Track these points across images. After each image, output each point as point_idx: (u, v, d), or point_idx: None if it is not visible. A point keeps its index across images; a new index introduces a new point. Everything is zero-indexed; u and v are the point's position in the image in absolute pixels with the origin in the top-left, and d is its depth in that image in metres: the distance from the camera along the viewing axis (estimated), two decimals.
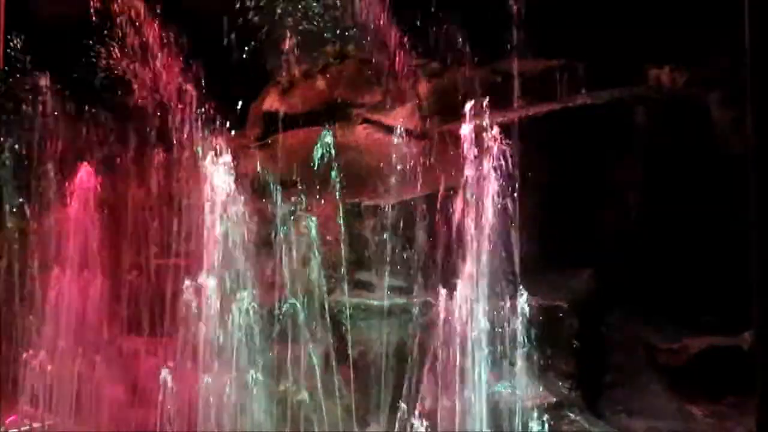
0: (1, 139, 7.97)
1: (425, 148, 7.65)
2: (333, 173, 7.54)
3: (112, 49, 8.21)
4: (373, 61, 8.39)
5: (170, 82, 7.90)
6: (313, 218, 7.46)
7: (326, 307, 7.09)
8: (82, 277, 7.81)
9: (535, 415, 6.15)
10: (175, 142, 8.18)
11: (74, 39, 8.28)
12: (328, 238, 7.43)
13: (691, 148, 6.81)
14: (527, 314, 6.32)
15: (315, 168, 7.65)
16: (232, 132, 8.58)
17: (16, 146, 7.93)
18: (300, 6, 8.13)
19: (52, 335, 7.75)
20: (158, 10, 8.01)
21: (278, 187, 7.76)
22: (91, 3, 8.01)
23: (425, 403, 6.39)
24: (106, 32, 8.23)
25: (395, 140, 7.60)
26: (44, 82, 8.04)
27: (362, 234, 7.30)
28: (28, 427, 7.45)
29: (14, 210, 8.14)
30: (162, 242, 7.99)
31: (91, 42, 8.25)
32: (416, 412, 6.34)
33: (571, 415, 6.29)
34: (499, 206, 6.50)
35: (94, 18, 8.03)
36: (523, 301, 6.30)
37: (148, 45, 8.06)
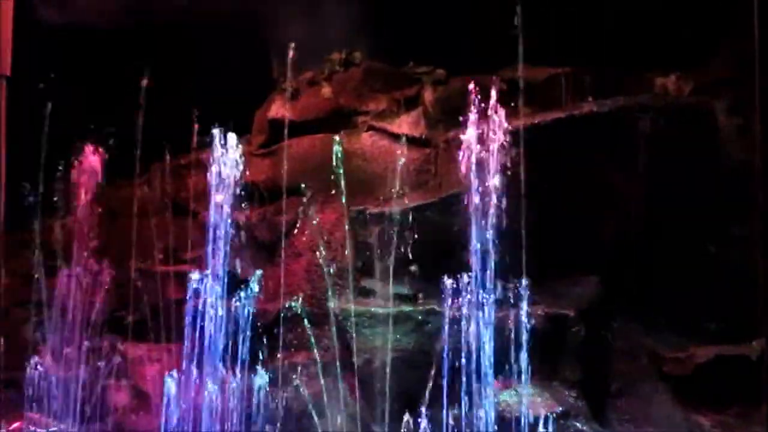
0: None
1: (430, 156, 7.66)
2: (338, 180, 7.54)
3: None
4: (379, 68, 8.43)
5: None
6: (318, 225, 7.46)
7: (331, 314, 7.08)
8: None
9: (541, 424, 6.12)
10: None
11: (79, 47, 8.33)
12: (333, 245, 7.43)
13: (696, 156, 6.80)
14: (533, 322, 6.30)
15: (320, 175, 7.66)
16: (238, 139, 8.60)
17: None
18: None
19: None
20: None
21: (283, 195, 7.76)
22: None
23: (430, 411, 6.36)
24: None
25: (400, 147, 7.61)
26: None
27: (367, 241, 7.29)
28: None
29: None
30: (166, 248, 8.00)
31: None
32: (421, 421, 6.31)
33: (577, 424, 6.26)
34: (504, 213, 6.49)
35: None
36: (528, 309, 6.27)
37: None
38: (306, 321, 7.08)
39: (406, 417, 6.32)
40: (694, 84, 7.35)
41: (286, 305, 7.17)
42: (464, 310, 6.46)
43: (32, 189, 8.07)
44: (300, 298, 7.26)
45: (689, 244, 6.74)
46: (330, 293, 7.18)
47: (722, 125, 6.94)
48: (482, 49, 7.53)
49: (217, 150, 7.43)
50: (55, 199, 8.34)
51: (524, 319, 6.24)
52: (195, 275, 7.22)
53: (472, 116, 6.72)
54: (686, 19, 7.36)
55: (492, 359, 6.27)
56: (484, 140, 6.82)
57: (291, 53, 7.77)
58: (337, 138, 7.74)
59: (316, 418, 6.77)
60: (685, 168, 6.75)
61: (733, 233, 6.58)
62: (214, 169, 7.46)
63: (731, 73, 6.89)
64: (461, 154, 6.62)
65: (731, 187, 6.54)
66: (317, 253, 7.35)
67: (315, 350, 6.98)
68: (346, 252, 7.31)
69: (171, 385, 6.98)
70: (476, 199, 6.71)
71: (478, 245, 6.49)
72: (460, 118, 6.81)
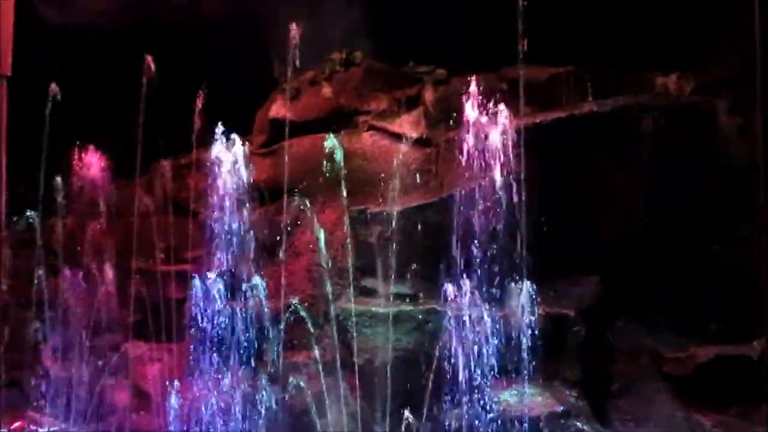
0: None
1: (431, 156, 7.65)
2: (339, 180, 7.54)
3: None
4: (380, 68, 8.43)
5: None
6: (319, 225, 7.47)
7: (332, 314, 7.08)
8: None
9: (542, 423, 6.12)
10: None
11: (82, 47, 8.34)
12: (334, 245, 7.43)
13: (698, 156, 6.79)
14: (534, 322, 6.30)
15: (321, 175, 7.66)
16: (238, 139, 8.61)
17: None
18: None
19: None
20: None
21: (284, 195, 7.77)
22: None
23: (431, 411, 6.36)
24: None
25: (401, 147, 7.61)
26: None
27: (368, 241, 7.30)
28: None
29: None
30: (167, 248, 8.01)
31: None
32: (422, 420, 6.32)
33: (577, 423, 6.26)
34: (505, 213, 6.49)
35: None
36: (529, 308, 6.28)
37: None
38: (306, 320, 7.09)
39: (407, 416, 6.33)
40: (695, 83, 7.34)
41: (287, 305, 7.18)
42: (464, 310, 6.46)
43: (33, 188, 8.08)
44: (301, 298, 7.27)
45: (690, 244, 6.73)
46: (331, 293, 7.19)
47: (723, 125, 6.94)
48: (483, 48, 7.53)
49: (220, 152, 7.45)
50: (56, 198, 8.35)
51: (525, 318, 6.24)
52: (196, 275, 7.24)
53: (473, 116, 6.72)
54: (687, 18, 7.35)
55: (492, 359, 6.27)
56: (485, 140, 6.82)
57: (291, 53, 7.76)
58: (337, 138, 7.72)
59: (316, 417, 6.78)
60: (686, 168, 6.74)
61: (734, 233, 6.57)
62: (215, 169, 7.49)
63: (732, 72, 6.88)
64: (461, 154, 6.63)
65: (732, 186, 6.54)
66: (318, 252, 7.35)
67: (316, 350, 6.99)
68: (347, 252, 7.31)
69: (172, 384, 7.00)
70: (477, 199, 6.72)
71: (479, 245, 6.49)
72: (461, 118, 6.82)
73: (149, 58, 7.80)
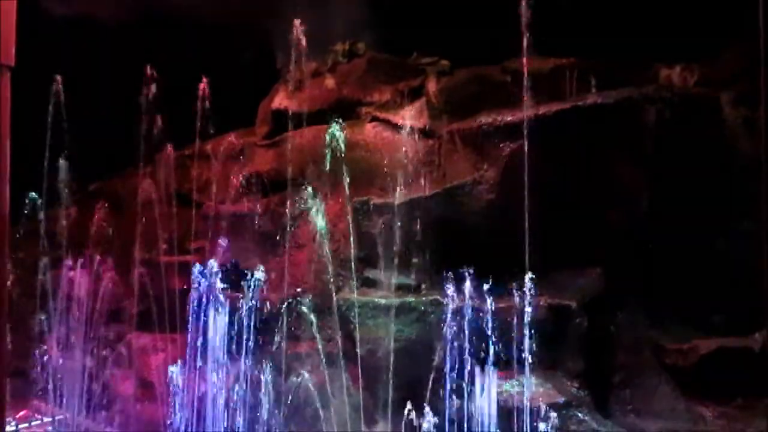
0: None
1: (434, 147, 7.64)
2: (342, 171, 7.54)
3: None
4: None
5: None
6: (322, 216, 7.47)
7: (335, 304, 7.10)
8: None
9: (544, 414, 6.14)
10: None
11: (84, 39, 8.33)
12: (336, 236, 7.44)
13: (701, 148, 6.78)
14: (536, 313, 6.31)
15: (324, 166, 7.66)
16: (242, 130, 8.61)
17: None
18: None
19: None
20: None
21: (287, 185, 7.77)
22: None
23: (433, 401, 6.39)
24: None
25: (404, 138, 7.60)
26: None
27: (371, 232, 7.30)
28: (39, 421, 7.51)
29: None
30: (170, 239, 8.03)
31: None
32: (424, 411, 6.34)
33: (579, 414, 6.28)
34: (508, 204, 6.48)
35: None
36: (531, 299, 6.28)
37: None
38: (309, 311, 7.10)
39: (409, 406, 6.35)
40: (699, 76, 7.31)
41: (290, 296, 7.19)
42: (467, 301, 6.47)
43: (37, 180, 8.09)
44: (303, 289, 7.28)
45: (694, 236, 6.72)
46: (333, 284, 7.20)
47: (728, 117, 6.91)
48: (487, 40, 7.51)
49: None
50: (59, 190, 8.36)
51: (527, 309, 6.25)
52: (198, 266, 7.25)
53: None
54: (692, 11, 7.32)
55: (495, 349, 6.29)
56: (488, 131, 6.81)
57: (295, 45, 7.74)
58: (340, 129, 7.70)
59: (319, 407, 6.80)
60: (690, 159, 6.72)
61: (738, 225, 6.56)
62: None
63: (737, 65, 6.85)
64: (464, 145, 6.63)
65: (736, 178, 6.52)
66: (320, 243, 7.35)
67: (318, 340, 7.01)
68: (350, 243, 7.32)
69: (176, 374, 7.03)
70: (479, 191, 6.71)
71: (481, 236, 6.49)
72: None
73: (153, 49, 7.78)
